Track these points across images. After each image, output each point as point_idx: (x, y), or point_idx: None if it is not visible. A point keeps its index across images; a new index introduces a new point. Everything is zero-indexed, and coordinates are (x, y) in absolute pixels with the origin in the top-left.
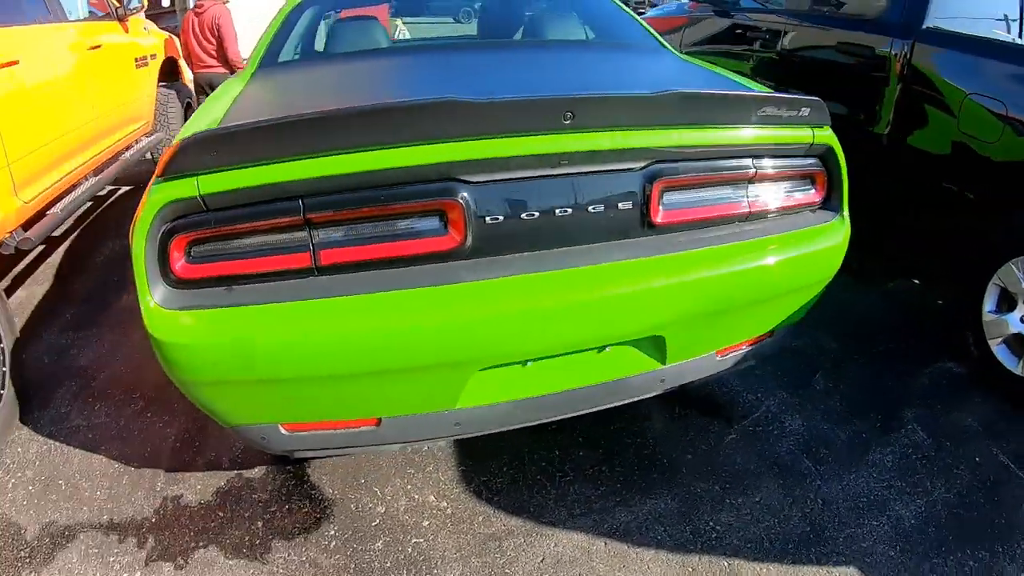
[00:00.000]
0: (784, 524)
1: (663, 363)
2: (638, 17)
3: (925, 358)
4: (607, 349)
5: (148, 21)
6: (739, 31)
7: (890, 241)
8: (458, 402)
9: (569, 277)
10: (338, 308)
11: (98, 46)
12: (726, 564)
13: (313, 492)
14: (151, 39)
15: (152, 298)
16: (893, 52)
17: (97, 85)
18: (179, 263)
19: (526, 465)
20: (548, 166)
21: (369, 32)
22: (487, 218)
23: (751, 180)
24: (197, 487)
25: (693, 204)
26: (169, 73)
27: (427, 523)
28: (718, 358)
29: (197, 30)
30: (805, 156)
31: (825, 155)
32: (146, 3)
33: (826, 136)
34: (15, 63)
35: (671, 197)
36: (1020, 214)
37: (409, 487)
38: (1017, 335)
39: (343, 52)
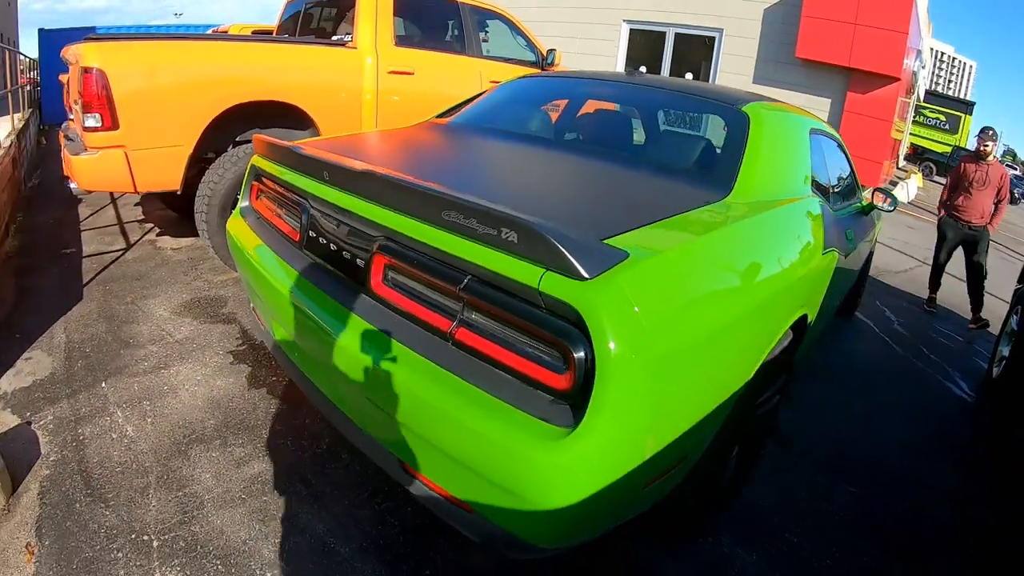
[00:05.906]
0: None
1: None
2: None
3: None
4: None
5: None
6: None
7: None
8: (276, 335)
9: (318, 293)
10: (262, 239)
11: (499, 81)
12: None
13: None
14: None
15: (240, 205)
16: None
17: None
18: (254, 196)
19: (340, 464)
20: (332, 208)
21: (505, 116)
22: (310, 231)
23: (463, 302)
24: (192, 332)
25: (405, 293)
26: None
27: (242, 450)
28: (404, 473)
29: None
30: (547, 311)
31: (581, 322)
32: (559, 58)
33: (566, 290)
34: (411, 73)
35: (390, 275)
36: None
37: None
38: None
39: (473, 128)
